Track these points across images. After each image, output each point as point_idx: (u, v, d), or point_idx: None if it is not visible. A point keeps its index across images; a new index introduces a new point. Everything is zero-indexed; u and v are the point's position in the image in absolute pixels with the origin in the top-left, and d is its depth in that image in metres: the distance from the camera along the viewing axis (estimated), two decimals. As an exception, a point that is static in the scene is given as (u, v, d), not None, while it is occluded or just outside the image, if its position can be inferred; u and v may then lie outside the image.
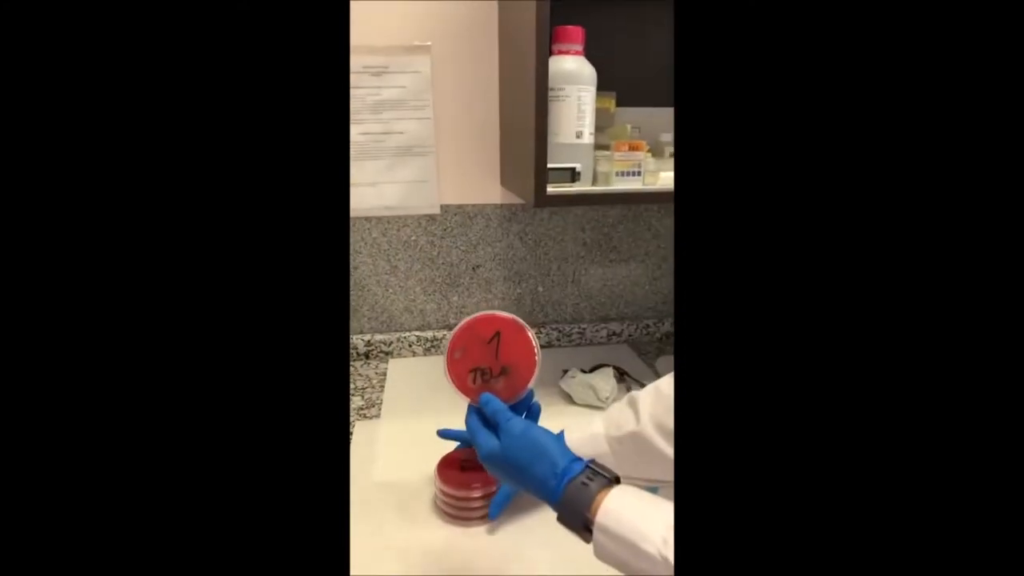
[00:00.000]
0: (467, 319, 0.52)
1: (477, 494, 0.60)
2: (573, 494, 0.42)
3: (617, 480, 0.44)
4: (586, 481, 0.43)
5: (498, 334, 0.51)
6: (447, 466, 0.64)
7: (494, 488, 0.61)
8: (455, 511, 0.61)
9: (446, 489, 0.61)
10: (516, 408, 0.52)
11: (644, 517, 0.39)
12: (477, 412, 0.51)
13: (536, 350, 0.52)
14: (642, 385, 0.99)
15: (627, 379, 0.99)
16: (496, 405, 0.50)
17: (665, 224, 1.12)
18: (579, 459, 0.46)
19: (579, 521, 0.42)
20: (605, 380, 0.93)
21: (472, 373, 0.52)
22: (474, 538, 0.50)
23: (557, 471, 0.44)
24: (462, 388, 0.52)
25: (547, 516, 0.43)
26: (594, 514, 0.41)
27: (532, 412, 0.54)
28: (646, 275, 1.15)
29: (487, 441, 0.48)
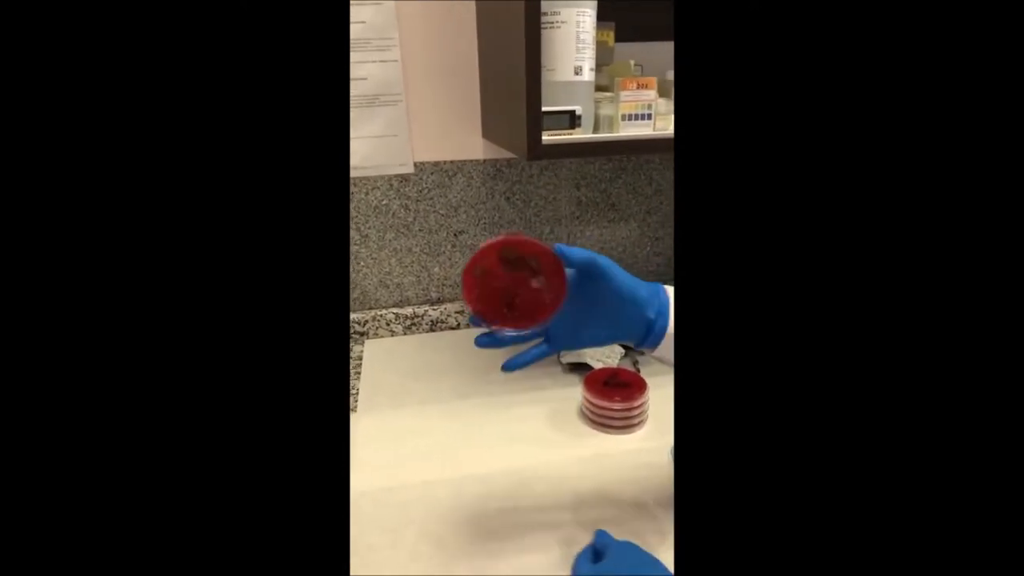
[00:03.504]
0: (482, 246, 0.51)
1: (616, 406, 0.72)
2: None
3: None
4: None
5: (521, 256, 0.51)
6: (592, 381, 0.75)
7: (635, 403, 0.72)
8: (597, 418, 0.73)
9: (590, 398, 0.73)
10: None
11: None
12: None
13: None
14: (642, 354, 0.92)
15: (631, 353, 0.89)
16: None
17: (667, 177, 1.00)
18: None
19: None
20: (611, 351, 0.84)
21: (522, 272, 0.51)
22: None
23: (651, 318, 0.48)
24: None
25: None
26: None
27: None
28: (647, 235, 1.04)
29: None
